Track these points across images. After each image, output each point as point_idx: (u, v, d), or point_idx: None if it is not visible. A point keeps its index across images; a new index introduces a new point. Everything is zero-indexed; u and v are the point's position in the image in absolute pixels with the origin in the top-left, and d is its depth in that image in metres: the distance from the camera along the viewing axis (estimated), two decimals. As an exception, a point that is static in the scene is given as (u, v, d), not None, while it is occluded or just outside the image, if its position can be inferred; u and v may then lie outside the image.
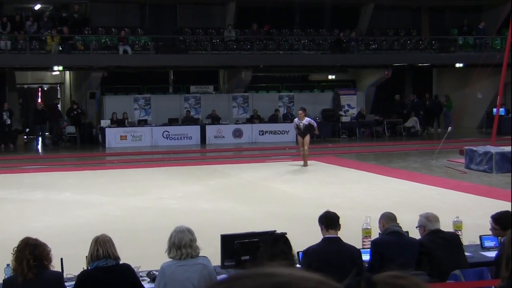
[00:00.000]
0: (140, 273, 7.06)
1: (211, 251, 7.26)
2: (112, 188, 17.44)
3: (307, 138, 21.15)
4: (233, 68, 32.74)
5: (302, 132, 21.13)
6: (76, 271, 6.71)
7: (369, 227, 8.13)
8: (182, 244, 6.20)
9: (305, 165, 21.26)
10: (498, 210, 7.70)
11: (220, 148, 28.20)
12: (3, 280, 6.36)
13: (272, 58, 32.05)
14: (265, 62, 32.04)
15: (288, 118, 31.64)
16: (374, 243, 7.26)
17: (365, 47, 33.71)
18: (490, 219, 7.44)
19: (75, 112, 30.45)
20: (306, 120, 21.25)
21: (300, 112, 21.71)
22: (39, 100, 33.09)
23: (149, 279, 7.05)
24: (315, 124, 21.80)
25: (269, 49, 32.39)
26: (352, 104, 33.34)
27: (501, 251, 5.35)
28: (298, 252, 6.77)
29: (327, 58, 32.61)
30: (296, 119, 21.64)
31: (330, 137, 31.49)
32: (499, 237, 7.56)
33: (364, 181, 18.49)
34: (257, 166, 21.96)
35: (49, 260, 6.04)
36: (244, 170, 20.88)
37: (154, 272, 7.01)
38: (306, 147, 21.05)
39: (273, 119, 31.60)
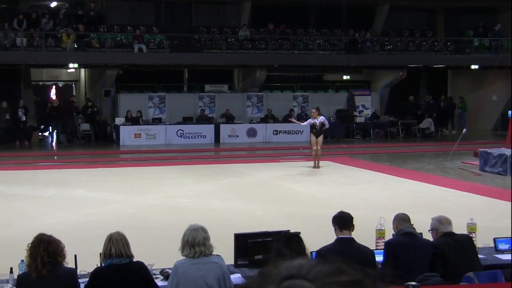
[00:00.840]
0: (154, 271, 7.06)
1: (223, 249, 7.26)
2: (126, 186, 17.47)
3: (321, 138, 20.92)
4: (247, 68, 32.75)
5: (318, 131, 20.86)
6: (90, 268, 6.71)
7: (383, 228, 8.12)
8: (195, 242, 6.18)
9: (317, 166, 21.00)
10: (512, 213, 7.69)
11: (234, 147, 28.22)
12: (18, 276, 6.38)
13: (287, 58, 32.04)
14: (279, 61, 32.06)
15: (302, 118, 31.46)
16: (388, 244, 7.26)
17: (380, 47, 33.61)
18: None
19: (89, 110, 30.52)
20: (321, 118, 21.02)
21: (314, 110, 21.60)
22: (54, 97, 33.17)
23: (162, 277, 7.05)
24: (327, 124, 21.41)
25: (284, 48, 32.34)
26: (366, 105, 33.29)
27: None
28: (311, 252, 6.74)
29: (342, 58, 32.57)
30: (310, 119, 21.34)
31: (344, 137, 31.48)
32: None
33: (377, 182, 18.44)
34: (271, 166, 21.97)
35: (63, 256, 6.06)
36: (258, 170, 20.86)
37: (167, 270, 6.99)
38: (319, 147, 20.78)
39: (288, 118, 31.39)
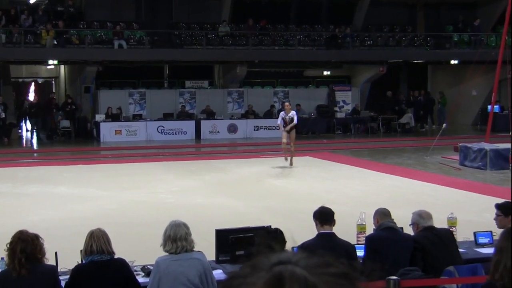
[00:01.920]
0: (135, 268, 7.06)
1: (205, 245, 7.28)
2: (107, 182, 17.42)
3: (294, 133, 20.02)
4: (228, 63, 32.71)
5: (288, 125, 19.88)
6: (71, 265, 6.72)
7: (364, 223, 8.16)
8: (177, 237, 6.19)
9: (290, 164, 20.14)
10: (492, 207, 7.77)
11: (215, 143, 28.19)
12: None
13: (267, 54, 32.06)
14: (260, 57, 32.04)
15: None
16: (368, 238, 7.30)
17: (360, 43, 33.70)
18: (495, 208, 7.59)
19: (69, 107, 30.38)
20: (292, 113, 20.01)
21: (287, 104, 20.73)
22: (33, 94, 33.00)
23: (143, 274, 7.05)
24: (295, 120, 20.17)
25: (264, 44, 32.37)
26: (347, 100, 33.41)
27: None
28: (292, 248, 6.59)
29: (322, 54, 32.58)
30: (282, 113, 20.37)
31: (324, 133, 31.49)
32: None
33: (358, 177, 18.50)
34: (252, 162, 22.00)
35: (42, 253, 6.02)
36: (239, 165, 20.87)
37: (148, 266, 7.01)
38: (292, 144, 19.95)
39: (268, 114, 31.62)
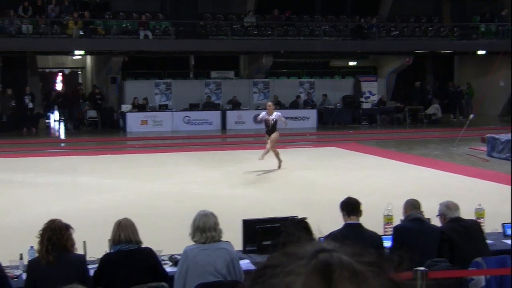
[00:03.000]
0: (162, 257, 7.08)
1: (231, 236, 7.22)
2: (133, 173, 17.47)
3: (275, 135, 18.00)
4: (253, 54, 32.62)
5: (270, 129, 17.99)
6: (99, 254, 6.77)
7: (391, 214, 8.14)
8: (206, 228, 6.21)
9: (278, 166, 18.15)
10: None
11: (241, 134, 28.14)
12: (28, 261, 6.43)
13: (293, 44, 31.93)
14: (285, 48, 31.92)
15: (309, 104, 31.63)
16: (396, 229, 7.31)
17: (386, 33, 33.46)
18: None
19: (96, 97, 30.51)
20: (275, 115, 18.14)
21: (269, 104, 18.69)
22: (60, 84, 33.15)
23: (171, 263, 7.06)
24: (283, 120, 18.49)
25: (289, 35, 32.20)
26: (373, 91, 33.21)
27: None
28: (319, 238, 6.78)
29: (348, 45, 32.42)
30: (263, 112, 18.48)
31: (350, 123, 31.39)
32: None
33: (384, 167, 18.41)
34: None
35: (71, 243, 6.08)
36: (265, 156, 20.63)
37: (176, 256, 7.02)
38: (269, 146, 17.86)
39: (294, 105, 31.55)
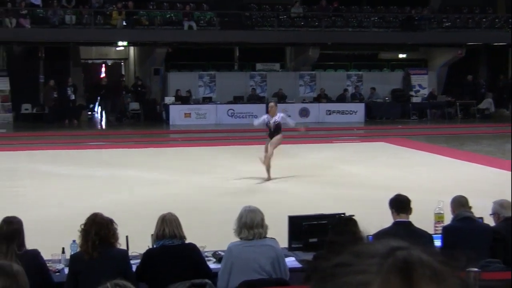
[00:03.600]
0: (206, 253, 7.04)
1: (276, 232, 7.03)
2: (176, 166, 17.39)
3: (276, 139, 15.52)
4: (300, 46, 32.43)
5: (272, 132, 15.52)
6: (141, 249, 6.79)
7: (442, 212, 8.05)
8: (254, 224, 6.14)
9: (268, 177, 15.45)
10: None
11: (286, 128, 27.60)
12: (70, 256, 6.45)
13: (341, 36, 31.58)
14: (333, 39, 31.59)
15: (356, 97, 31.25)
16: (445, 229, 7.21)
17: (438, 25, 32.94)
18: None
19: (138, 89, 30.31)
20: (279, 116, 15.53)
21: (271, 105, 16.01)
22: (103, 76, 33.11)
23: (214, 259, 7.04)
24: (289, 122, 16.24)
25: (337, 26, 31.97)
26: (423, 84, 32.72)
27: None
28: (367, 236, 6.48)
29: (397, 36, 32.07)
30: (265, 116, 15.79)
31: (399, 118, 30.97)
32: None
33: (434, 164, 18.07)
34: (324, 147, 21.73)
35: (115, 238, 6.04)
36: (311, 151, 20.60)
37: (220, 252, 6.98)
38: (270, 151, 15.45)
39: (341, 98, 31.20)
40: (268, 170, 15.39)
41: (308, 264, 6.46)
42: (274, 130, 15.47)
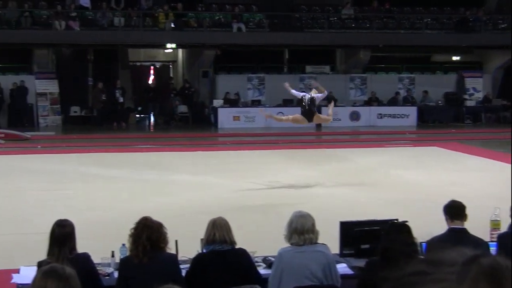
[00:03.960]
0: (256, 259, 6.96)
1: (327, 238, 6.87)
2: (225, 170, 17.33)
3: (318, 118, 15.36)
4: (350, 48, 32.17)
5: (306, 110, 14.56)
6: (190, 254, 6.74)
7: (498, 219, 7.89)
8: (304, 230, 6.03)
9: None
10: None
11: (336, 131, 27.63)
12: (120, 260, 6.44)
13: (392, 38, 31.27)
14: (384, 41, 31.33)
15: (408, 101, 30.79)
16: (500, 237, 7.03)
17: (493, 26, 32.44)
18: None
19: (187, 91, 30.19)
20: (316, 96, 14.55)
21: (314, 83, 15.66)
22: (152, 78, 33.12)
23: (264, 265, 6.95)
24: (321, 95, 14.73)
25: (389, 28, 31.68)
26: (477, 88, 32.23)
27: None
28: (421, 243, 6.47)
29: (451, 38, 31.65)
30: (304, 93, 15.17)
31: (452, 122, 30.51)
32: None
33: (489, 169, 17.77)
34: (375, 151, 21.62)
35: (165, 242, 5.99)
36: (362, 155, 20.57)
37: (270, 258, 6.91)
38: (291, 118, 15.04)
39: (393, 102, 30.83)
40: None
41: (360, 271, 6.32)
42: (308, 107, 14.39)
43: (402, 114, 29.88)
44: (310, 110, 14.43)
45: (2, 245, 10.07)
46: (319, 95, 14.58)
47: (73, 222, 6.13)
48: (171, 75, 34.19)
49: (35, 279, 3.53)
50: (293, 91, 15.73)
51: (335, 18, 31.57)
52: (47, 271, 3.52)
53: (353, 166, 18.17)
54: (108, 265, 6.88)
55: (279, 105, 29.33)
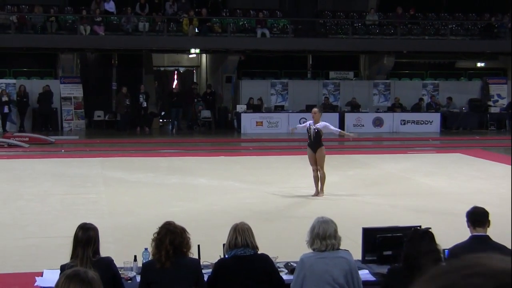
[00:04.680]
0: (278, 264, 6.94)
1: (349, 244, 7.04)
2: (248, 175, 17.33)
3: (320, 153, 14.35)
4: (374, 54, 32.06)
5: (312, 142, 14.29)
6: (212, 258, 6.81)
7: None
8: (326, 235, 6.02)
9: (319, 191, 14.37)
10: None
11: (360, 138, 27.20)
12: (142, 264, 6.43)
13: (417, 44, 31.13)
14: (409, 47, 31.15)
15: (432, 107, 30.54)
16: None
17: None
18: None
19: (209, 97, 30.25)
20: (321, 124, 14.12)
21: (315, 110, 14.49)
22: (175, 83, 33.20)
23: (286, 271, 6.96)
24: (333, 129, 14.67)
25: (413, 34, 31.57)
26: (502, 94, 31.89)
27: None
28: (444, 250, 6.40)
29: (476, 44, 31.45)
30: (309, 122, 14.51)
31: (477, 128, 30.29)
32: None
33: None
34: (398, 157, 21.43)
35: (188, 247, 6.01)
36: (385, 161, 20.42)
37: (292, 263, 6.93)
38: (321, 170, 14.35)
39: (417, 108, 30.61)
40: (321, 183, 14.37)
41: (383, 277, 6.28)
42: (314, 140, 14.15)
43: (426, 121, 29.72)
44: (316, 143, 14.19)
45: (26, 248, 10.13)
46: (332, 129, 14.44)
47: (96, 226, 6.13)
48: (195, 80, 34.26)
49: (58, 283, 3.54)
50: (299, 126, 15.96)
51: (359, 24, 31.51)
52: (70, 274, 3.53)
53: (376, 172, 18.09)
54: (131, 269, 6.90)
55: (302, 111, 29.29)
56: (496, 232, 7.02)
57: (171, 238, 5.84)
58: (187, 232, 6.00)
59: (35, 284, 6.77)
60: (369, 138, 27.49)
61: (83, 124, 28.76)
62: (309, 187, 15.23)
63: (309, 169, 14.87)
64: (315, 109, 14.69)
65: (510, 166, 16.35)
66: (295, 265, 6.50)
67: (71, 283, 3.44)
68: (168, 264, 5.82)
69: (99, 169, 18.01)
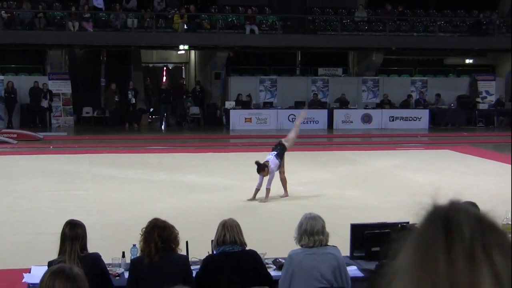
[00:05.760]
0: (266, 260, 6.98)
1: (338, 240, 7.05)
2: (236, 172, 17.29)
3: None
4: (363, 50, 32.02)
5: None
6: (200, 255, 6.82)
7: (509, 223, 7.87)
8: (314, 231, 6.06)
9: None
10: None
11: (348, 134, 27.58)
12: (131, 260, 6.51)
13: (405, 40, 31.15)
14: (397, 44, 31.19)
15: (421, 104, 30.60)
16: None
17: (507, 29, 31.93)
18: None
19: (198, 93, 30.19)
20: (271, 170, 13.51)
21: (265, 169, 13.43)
22: (164, 80, 33.13)
23: (275, 267, 6.99)
24: (272, 165, 13.68)
25: (402, 30, 31.58)
26: (490, 91, 31.98)
27: None
28: None
29: (464, 41, 31.40)
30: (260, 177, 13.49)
31: (465, 125, 30.37)
32: None
33: (501, 173, 17.37)
34: (387, 154, 21.44)
35: (176, 243, 6.04)
36: (373, 157, 20.43)
37: (280, 259, 6.97)
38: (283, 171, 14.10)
39: (405, 104, 30.64)
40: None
41: (371, 274, 6.35)
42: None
43: (414, 117, 29.74)
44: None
45: (14, 245, 10.13)
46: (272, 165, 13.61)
47: (85, 222, 6.15)
48: (184, 76, 34.21)
49: (43, 279, 3.55)
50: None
51: (348, 21, 31.52)
52: (55, 271, 3.54)
53: (365, 169, 18.11)
54: (119, 265, 6.91)
55: (290, 107, 29.34)
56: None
57: (159, 231, 5.88)
58: (175, 229, 6.02)
59: (23, 281, 6.76)
60: (358, 134, 27.63)
61: (71, 121, 28.66)
62: (297, 183, 15.33)
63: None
64: (266, 169, 13.41)
65: (510, 165, 16.24)
66: (283, 261, 6.52)
67: (56, 279, 3.44)
68: (157, 258, 5.84)
69: (88, 166, 17.94)
